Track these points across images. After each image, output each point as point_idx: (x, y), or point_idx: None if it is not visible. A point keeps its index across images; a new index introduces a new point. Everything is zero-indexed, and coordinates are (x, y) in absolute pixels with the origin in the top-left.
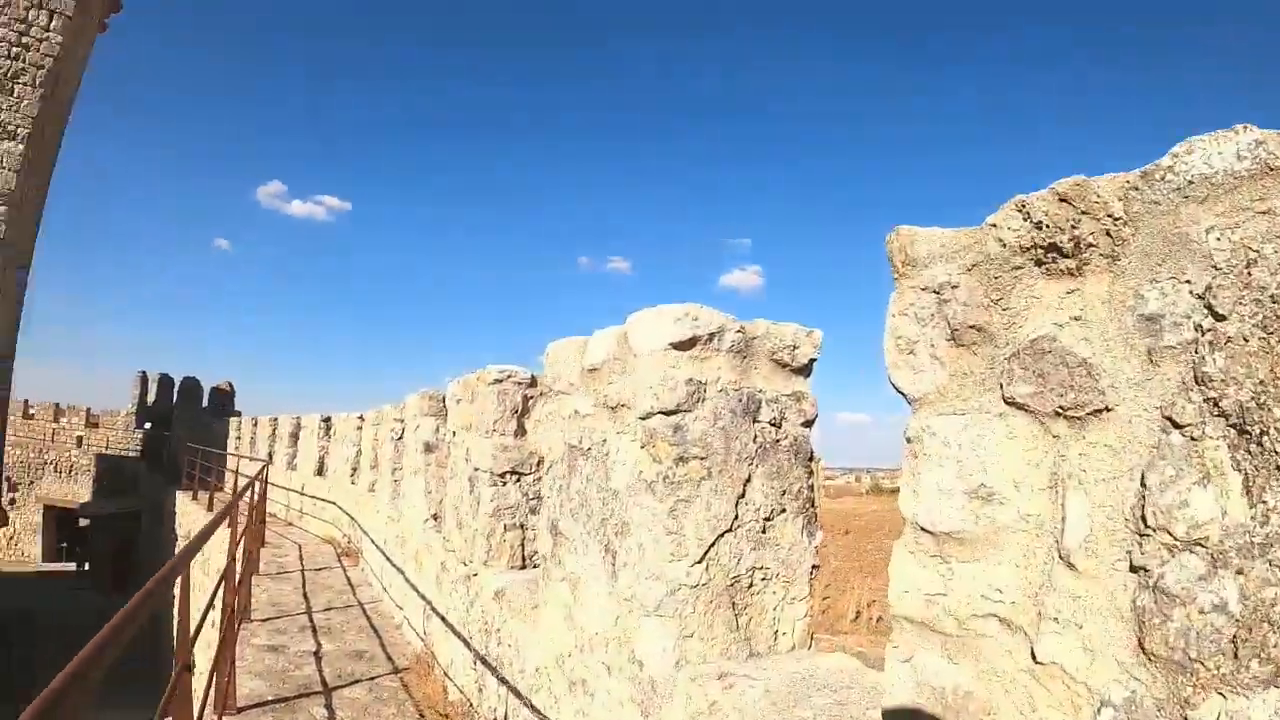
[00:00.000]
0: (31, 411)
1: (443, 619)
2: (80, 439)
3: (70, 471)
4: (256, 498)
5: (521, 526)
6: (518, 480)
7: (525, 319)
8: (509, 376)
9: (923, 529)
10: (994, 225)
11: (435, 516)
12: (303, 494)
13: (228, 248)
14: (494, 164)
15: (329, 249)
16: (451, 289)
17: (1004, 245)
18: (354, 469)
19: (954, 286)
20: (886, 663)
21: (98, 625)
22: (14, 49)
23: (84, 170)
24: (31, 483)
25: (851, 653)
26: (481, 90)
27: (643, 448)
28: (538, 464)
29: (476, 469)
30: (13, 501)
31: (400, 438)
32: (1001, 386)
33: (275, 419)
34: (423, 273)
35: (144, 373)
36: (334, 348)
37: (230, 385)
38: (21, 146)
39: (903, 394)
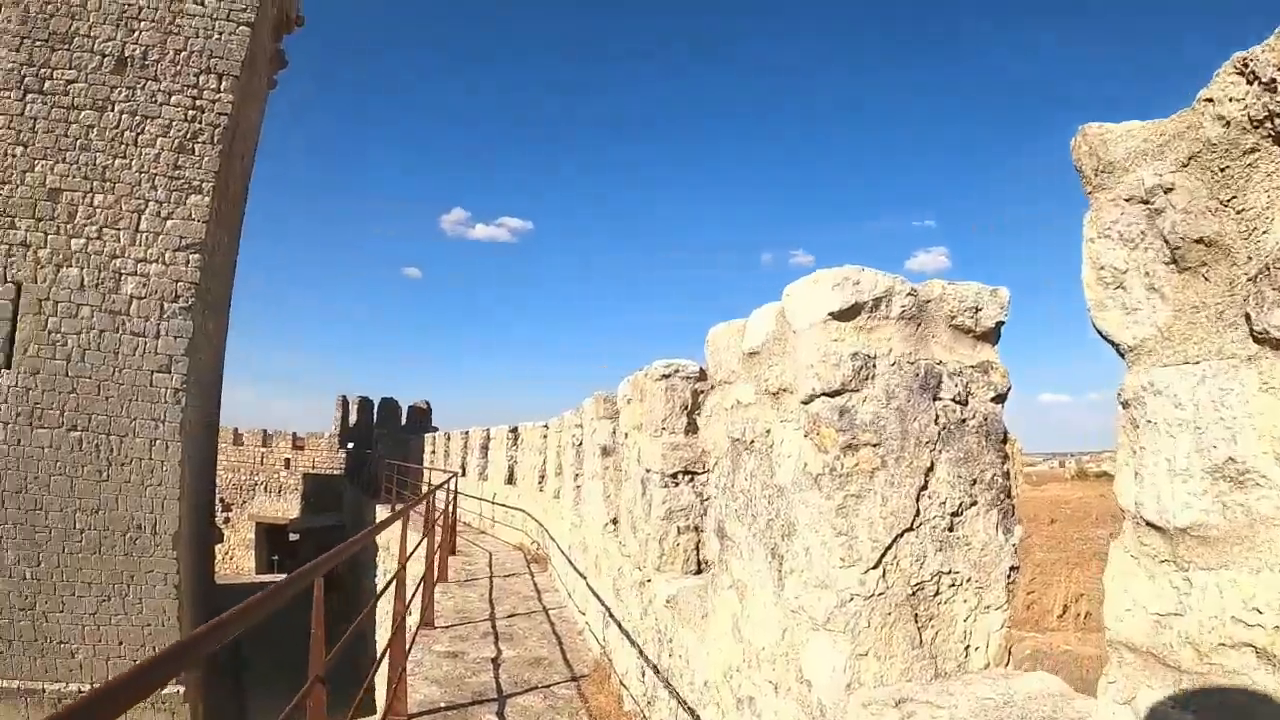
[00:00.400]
0: (242, 438)
1: (619, 626)
2: (288, 461)
3: (279, 491)
4: (445, 505)
5: (695, 529)
6: (690, 480)
7: (711, 321)
8: (676, 371)
9: (1148, 524)
10: (1209, 100)
11: (613, 521)
12: (494, 502)
13: (418, 275)
14: (668, 169)
15: (513, 267)
16: (634, 295)
17: (1227, 124)
18: (541, 476)
19: (1167, 190)
20: (1100, 700)
21: (306, 628)
22: (190, 112)
23: (281, 213)
24: (244, 502)
25: (1058, 653)
26: (652, 93)
27: (806, 436)
28: (709, 462)
29: (647, 470)
30: (227, 520)
31: (580, 443)
32: (1249, 319)
33: (466, 432)
34: (604, 283)
35: (344, 396)
36: (523, 360)
37: (427, 404)
38: (208, 199)
39: (1113, 344)
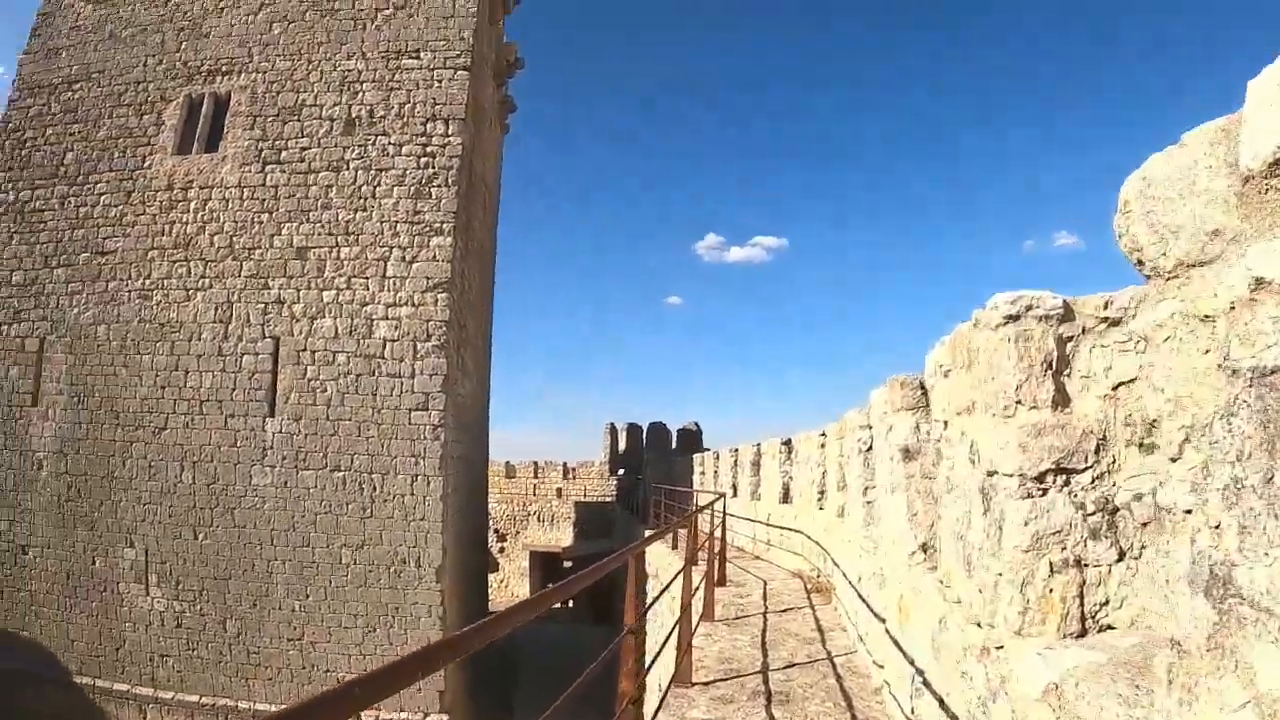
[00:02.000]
0: (515, 470)
1: (941, 703)
2: (559, 490)
3: (552, 520)
4: (712, 529)
5: (1079, 563)
6: (1065, 484)
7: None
8: (1029, 308)
9: None
10: None
11: (924, 548)
12: (768, 524)
13: (679, 303)
14: (919, 163)
15: (771, 285)
16: (891, 295)
17: None
18: (820, 492)
19: None
20: None
21: (581, 653)
22: (421, 159)
23: (543, 252)
24: (518, 533)
25: None
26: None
27: None
28: (1095, 450)
29: (991, 472)
30: (502, 550)
31: (868, 447)
32: None
33: (736, 450)
34: (864, 289)
35: (613, 424)
36: (789, 376)
37: (696, 425)
38: (449, 240)
39: None
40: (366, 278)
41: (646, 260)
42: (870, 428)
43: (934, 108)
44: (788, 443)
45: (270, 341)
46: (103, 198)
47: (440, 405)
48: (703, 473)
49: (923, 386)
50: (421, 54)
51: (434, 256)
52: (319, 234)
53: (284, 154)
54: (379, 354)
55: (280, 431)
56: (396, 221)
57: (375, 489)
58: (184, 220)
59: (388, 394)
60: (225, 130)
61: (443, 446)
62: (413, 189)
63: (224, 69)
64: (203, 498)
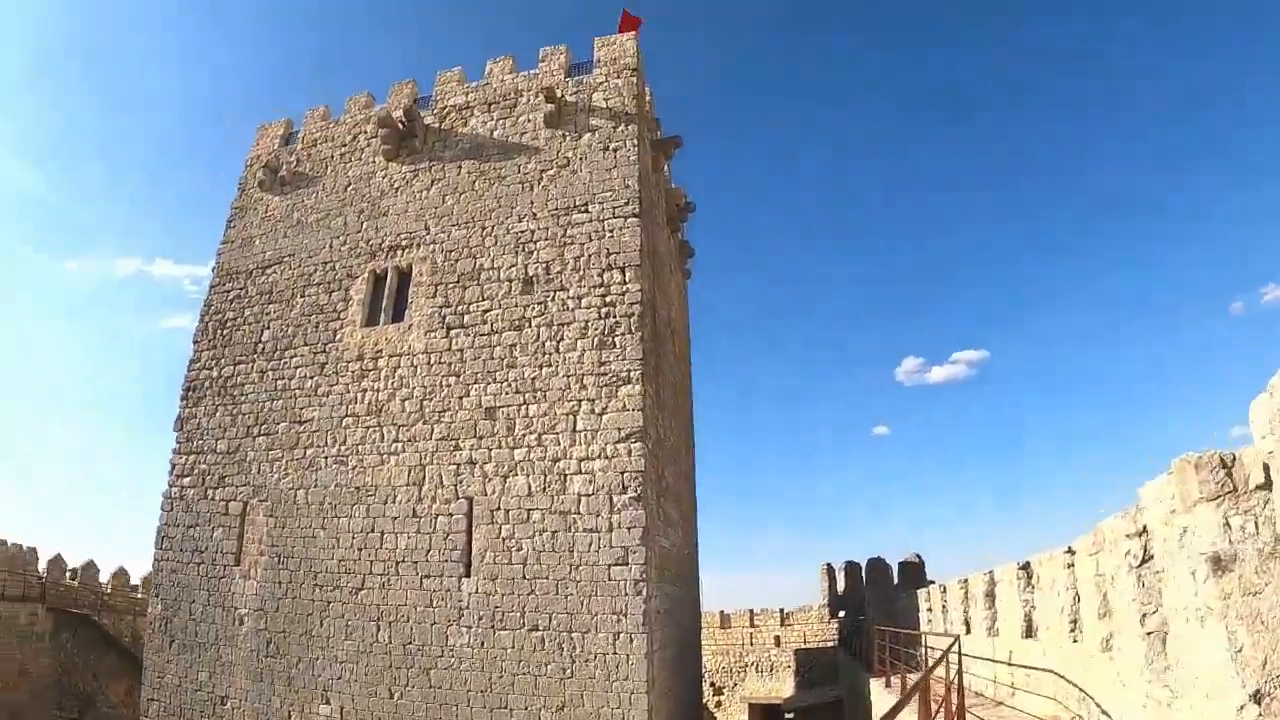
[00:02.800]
0: (729, 620)
1: None
2: (777, 638)
3: (770, 669)
4: (948, 678)
5: None
6: None
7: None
8: None
9: None
10: None
11: (1258, 697)
12: (1010, 664)
13: (886, 432)
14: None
15: (978, 401)
16: (1101, 395)
17: None
18: (1073, 622)
19: None
20: None
21: None
22: (602, 309)
23: (744, 397)
24: (734, 685)
25: None
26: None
27: None
28: None
29: None
30: (719, 704)
31: (1145, 560)
32: None
33: (965, 580)
34: (1071, 391)
35: (829, 564)
36: (1011, 495)
37: (918, 557)
38: (638, 387)
39: None
40: (557, 433)
41: (846, 394)
42: (1144, 534)
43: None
44: (1026, 566)
45: (464, 502)
46: (299, 370)
47: (641, 559)
48: (929, 609)
49: (1227, 465)
50: (590, 207)
51: (623, 406)
52: (506, 393)
53: (466, 318)
54: (574, 509)
55: (476, 591)
56: (583, 374)
57: (575, 648)
58: (375, 388)
59: (585, 550)
60: (409, 300)
61: (645, 601)
62: (596, 340)
63: (404, 243)
64: (399, 657)
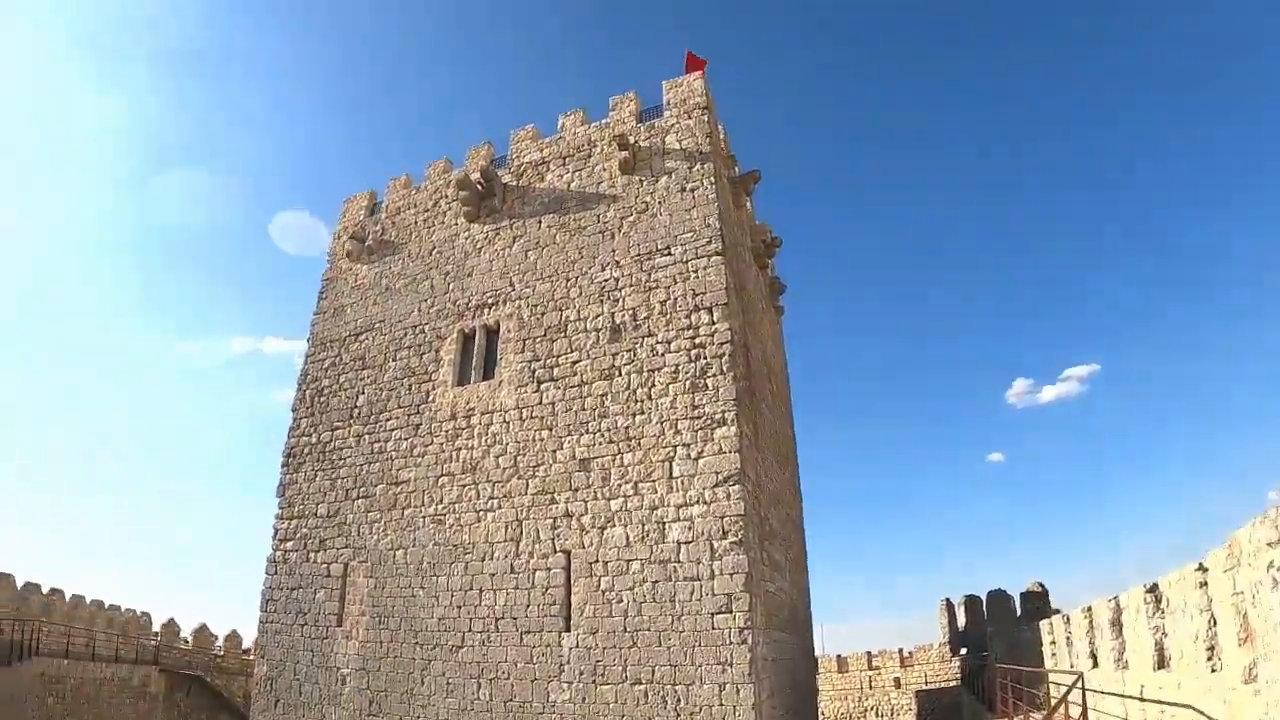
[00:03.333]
0: (846, 664)
1: None
2: (897, 680)
3: (891, 713)
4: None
5: None
6: None
7: None
8: None
9: None
10: None
11: None
12: (1142, 699)
13: (1001, 460)
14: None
15: (1091, 417)
16: (1232, 406)
17: None
18: (1209, 649)
19: None
20: None
21: None
22: (692, 352)
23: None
24: None
25: None
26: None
27: None
28: None
29: None
30: None
31: None
32: None
33: (1088, 608)
34: (1199, 402)
35: (948, 599)
36: (1134, 516)
37: (1041, 586)
38: (733, 429)
39: None
40: (653, 480)
41: (956, 423)
42: None
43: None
44: (1153, 589)
45: (561, 556)
46: (394, 433)
47: (745, 605)
48: (1052, 642)
49: None
50: (672, 249)
51: (720, 449)
52: (600, 443)
53: (556, 370)
54: (673, 558)
55: (576, 646)
56: (676, 419)
57: (679, 701)
58: (469, 446)
59: (686, 599)
60: (498, 356)
61: (751, 650)
62: (688, 383)
63: (489, 301)
64: (500, 715)
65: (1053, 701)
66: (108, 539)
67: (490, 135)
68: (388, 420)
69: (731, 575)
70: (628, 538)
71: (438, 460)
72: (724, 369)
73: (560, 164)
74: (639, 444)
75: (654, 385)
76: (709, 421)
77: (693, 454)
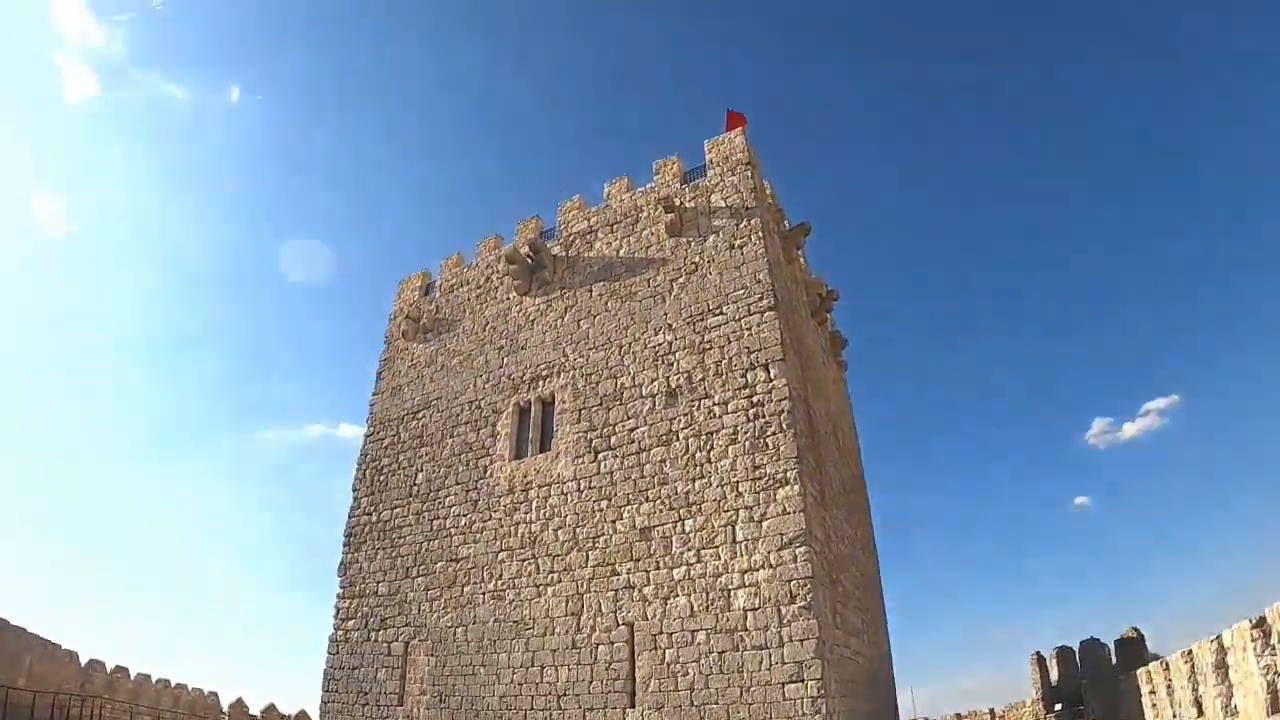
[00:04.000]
0: None
1: None
2: None
3: None
4: None
5: None
6: None
7: None
8: None
9: None
10: None
11: None
12: None
13: (1086, 503)
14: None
15: (1175, 451)
16: None
17: None
18: None
19: None
20: None
21: None
22: (750, 411)
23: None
24: None
25: None
26: None
27: None
28: None
29: None
30: None
31: None
32: None
33: (1188, 651)
34: None
35: (1038, 652)
36: (1237, 553)
37: (1136, 631)
38: (796, 487)
39: None
40: (715, 546)
41: (1036, 469)
42: None
43: None
44: (1261, 623)
45: (624, 629)
46: (453, 509)
47: (817, 673)
48: (1151, 691)
49: None
50: (724, 308)
51: (783, 510)
52: (659, 511)
53: (613, 439)
54: (740, 626)
55: None
56: (737, 481)
57: None
58: (527, 520)
59: (755, 669)
60: (554, 428)
61: (824, 719)
62: (747, 444)
63: (544, 373)
64: None
65: None
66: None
67: (539, 209)
68: (446, 497)
69: (802, 642)
70: (692, 607)
71: (496, 535)
72: (784, 426)
73: (608, 231)
74: (700, 509)
75: (713, 448)
76: (771, 482)
77: (755, 516)
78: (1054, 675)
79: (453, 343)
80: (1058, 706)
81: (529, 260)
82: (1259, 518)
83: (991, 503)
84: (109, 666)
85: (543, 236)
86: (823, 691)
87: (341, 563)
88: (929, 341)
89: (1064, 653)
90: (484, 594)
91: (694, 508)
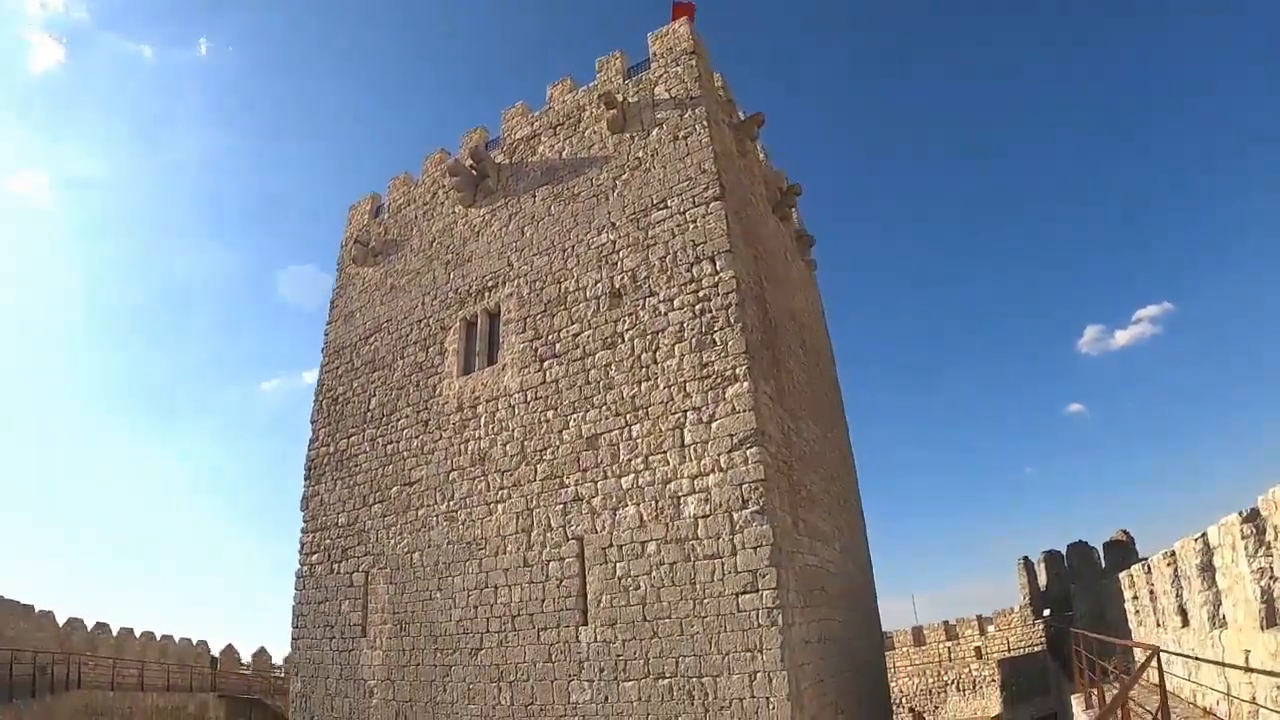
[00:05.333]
0: (924, 636)
1: None
2: (978, 649)
3: (973, 685)
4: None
5: None
6: None
7: None
8: None
9: None
10: None
11: None
12: (1248, 669)
13: (1081, 410)
14: None
15: (1172, 358)
16: None
17: None
18: None
19: None
20: None
21: None
22: (696, 307)
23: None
24: (936, 707)
25: None
26: None
27: None
28: None
29: None
30: None
31: None
32: None
33: (1170, 552)
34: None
35: (1025, 558)
36: (1247, 450)
37: (1125, 534)
38: (745, 384)
39: None
40: (663, 451)
41: (1029, 376)
42: None
43: None
44: (1253, 517)
45: (574, 543)
46: (404, 432)
47: (772, 582)
48: (1134, 597)
49: None
50: (668, 201)
51: (733, 409)
52: (606, 417)
53: (558, 346)
54: (690, 535)
55: (595, 640)
56: (684, 382)
57: (708, 696)
58: (476, 436)
59: (707, 580)
60: (500, 340)
61: (783, 632)
62: (694, 341)
63: (489, 284)
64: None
65: (1133, 667)
66: (197, 582)
67: (486, 121)
68: (398, 420)
69: (755, 549)
70: (641, 517)
71: (447, 455)
72: (731, 320)
73: (551, 134)
74: (646, 413)
75: (658, 348)
76: (719, 380)
77: (704, 418)
78: (1042, 581)
79: (400, 263)
80: (1046, 612)
81: (472, 171)
82: (1254, 421)
83: (987, 413)
84: (89, 625)
85: (488, 146)
86: (779, 601)
87: (303, 496)
88: (914, 245)
89: (1052, 557)
90: (436, 516)
91: (641, 412)
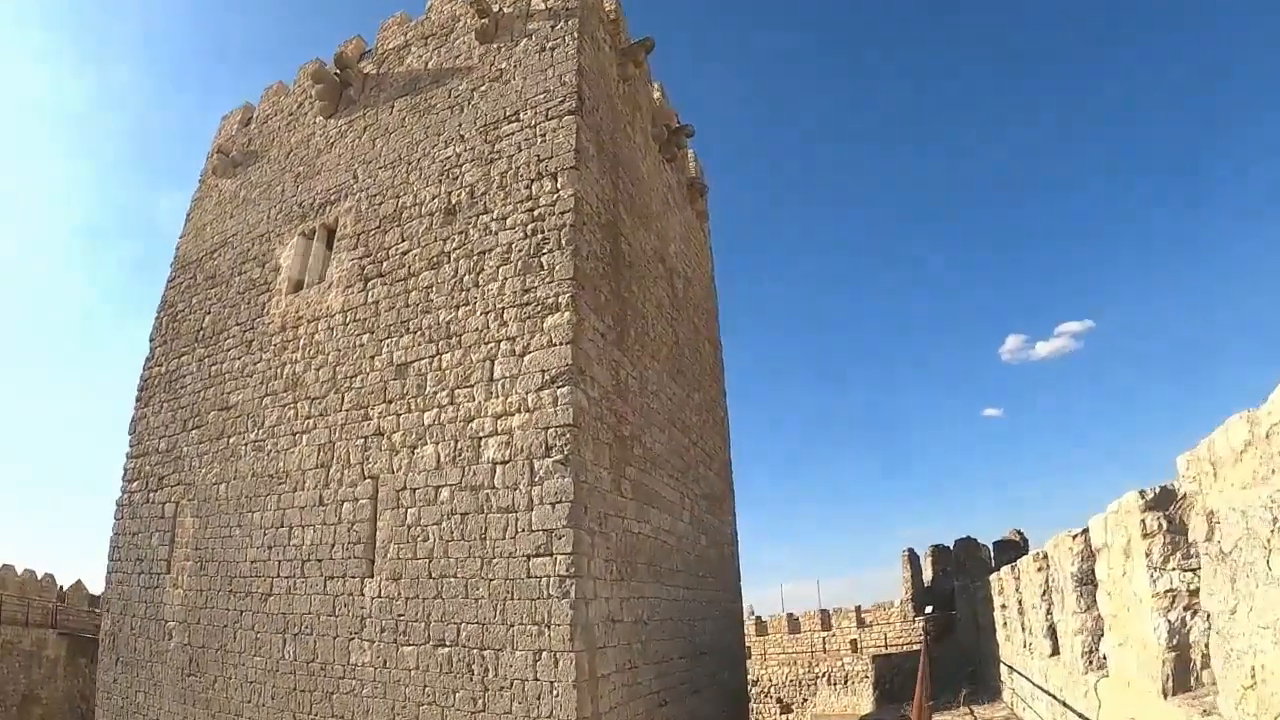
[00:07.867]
0: (799, 623)
1: None
2: (854, 643)
3: (845, 680)
4: None
5: None
6: None
7: None
8: None
9: None
10: None
11: None
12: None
13: (998, 414)
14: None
15: (1090, 372)
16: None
17: None
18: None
19: None
20: None
21: None
22: (529, 226)
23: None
24: (805, 700)
25: None
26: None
27: None
28: None
29: None
30: None
31: None
32: None
33: (1043, 554)
34: (1198, 350)
35: (910, 550)
36: (1150, 467)
37: (1018, 534)
38: (567, 314)
39: None
40: (470, 385)
41: (948, 380)
42: None
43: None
44: (1165, 500)
45: (369, 483)
46: (230, 353)
47: (568, 546)
48: (1003, 606)
49: None
50: (521, 114)
51: (549, 340)
52: (418, 344)
53: (384, 265)
54: (487, 483)
55: (379, 595)
56: (502, 308)
57: (488, 673)
58: (293, 360)
59: (499, 536)
60: (331, 256)
61: (575, 606)
62: (519, 263)
63: (332, 198)
64: (304, 678)
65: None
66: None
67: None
68: (226, 340)
69: (553, 505)
70: (439, 458)
71: (264, 379)
72: (563, 242)
73: (421, 44)
74: (459, 341)
75: (483, 270)
76: (540, 308)
77: (517, 349)
78: (927, 576)
79: (256, 174)
80: (928, 609)
81: (336, 78)
82: (1163, 432)
83: (905, 410)
84: None
85: (362, 57)
86: (574, 570)
87: (132, 419)
88: (855, 246)
89: (939, 552)
90: (246, 445)
91: (453, 340)
